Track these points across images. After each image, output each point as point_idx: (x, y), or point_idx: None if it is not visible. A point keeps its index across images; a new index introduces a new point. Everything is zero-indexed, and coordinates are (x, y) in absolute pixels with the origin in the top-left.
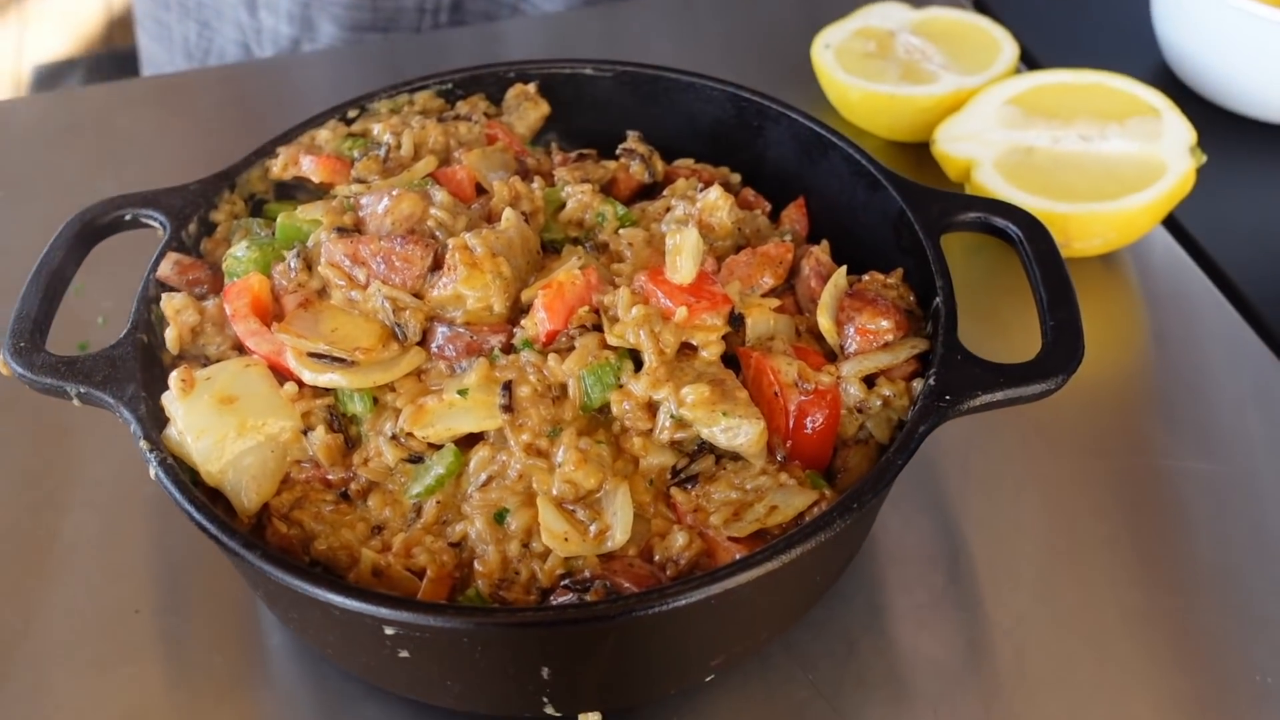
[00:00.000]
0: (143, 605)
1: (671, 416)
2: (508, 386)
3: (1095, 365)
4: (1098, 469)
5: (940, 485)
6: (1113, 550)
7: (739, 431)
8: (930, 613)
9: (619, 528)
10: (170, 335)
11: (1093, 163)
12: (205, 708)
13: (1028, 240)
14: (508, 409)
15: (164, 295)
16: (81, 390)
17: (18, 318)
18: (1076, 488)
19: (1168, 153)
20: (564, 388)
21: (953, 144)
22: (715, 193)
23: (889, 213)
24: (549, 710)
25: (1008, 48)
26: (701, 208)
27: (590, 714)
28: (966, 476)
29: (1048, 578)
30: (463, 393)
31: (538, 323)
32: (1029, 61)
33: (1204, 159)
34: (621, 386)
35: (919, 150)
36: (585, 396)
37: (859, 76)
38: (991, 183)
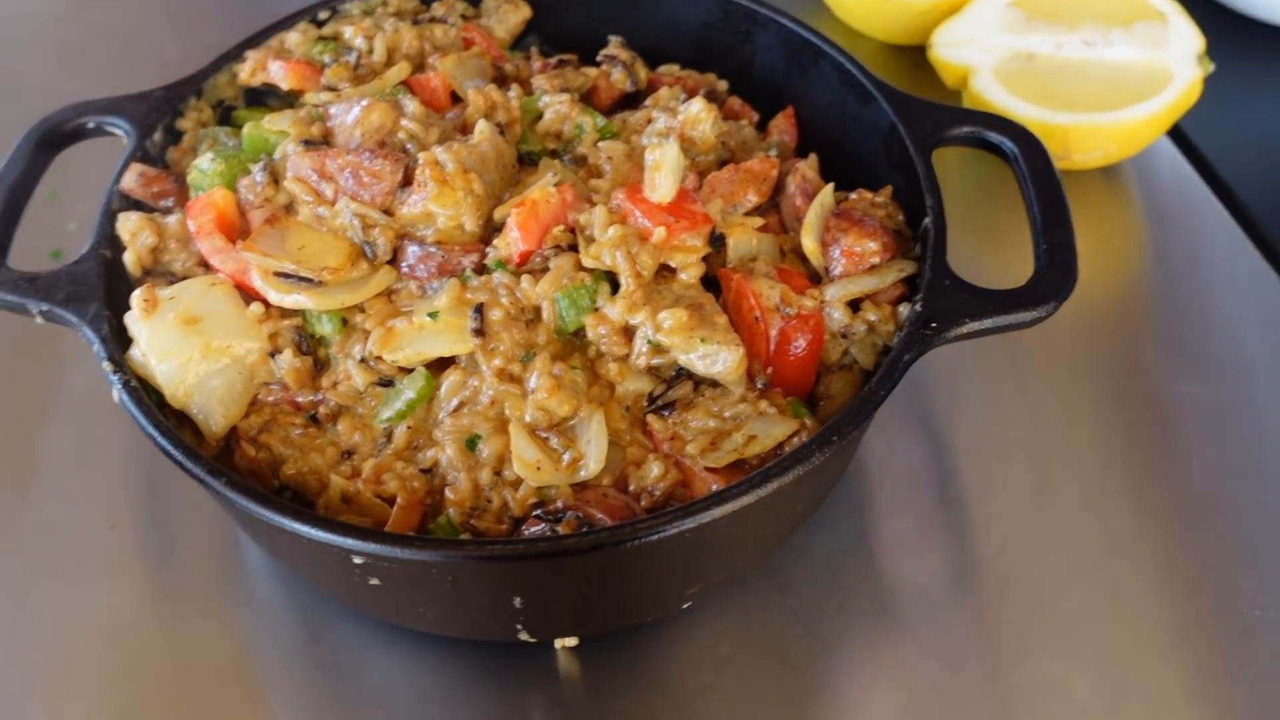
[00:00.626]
0: (119, 520)
1: (648, 342)
2: (479, 309)
3: (1092, 284)
4: (1091, 393)
5: (928, 407)
6: (1104, 477)
7: (717, 358)
8: (914, 539)
9: (593, 457)
10: (129, 258)
11: (1096, 70)
12: (183, 624)
13: (1023, 157)
14: (479, 333)
15: (120, 216)
16: (44, 308)
17: None
18: (1068, 412)
19: (1174, 60)
20: (538, 311)
21: (950, 49)
22: (698, 104)
23: (880, 126)
24: (523, 636)
25: None
26: (683, 121)
27: (568, 639)
28: (955, 398)
29: (1035, 504)
30: (433, 315)
31: (511, 243)
32: None
33: (1212, 67)
34: (597, 310)
35: (916, 54)
36: (560, 320)
37: None
38: (990, 91)
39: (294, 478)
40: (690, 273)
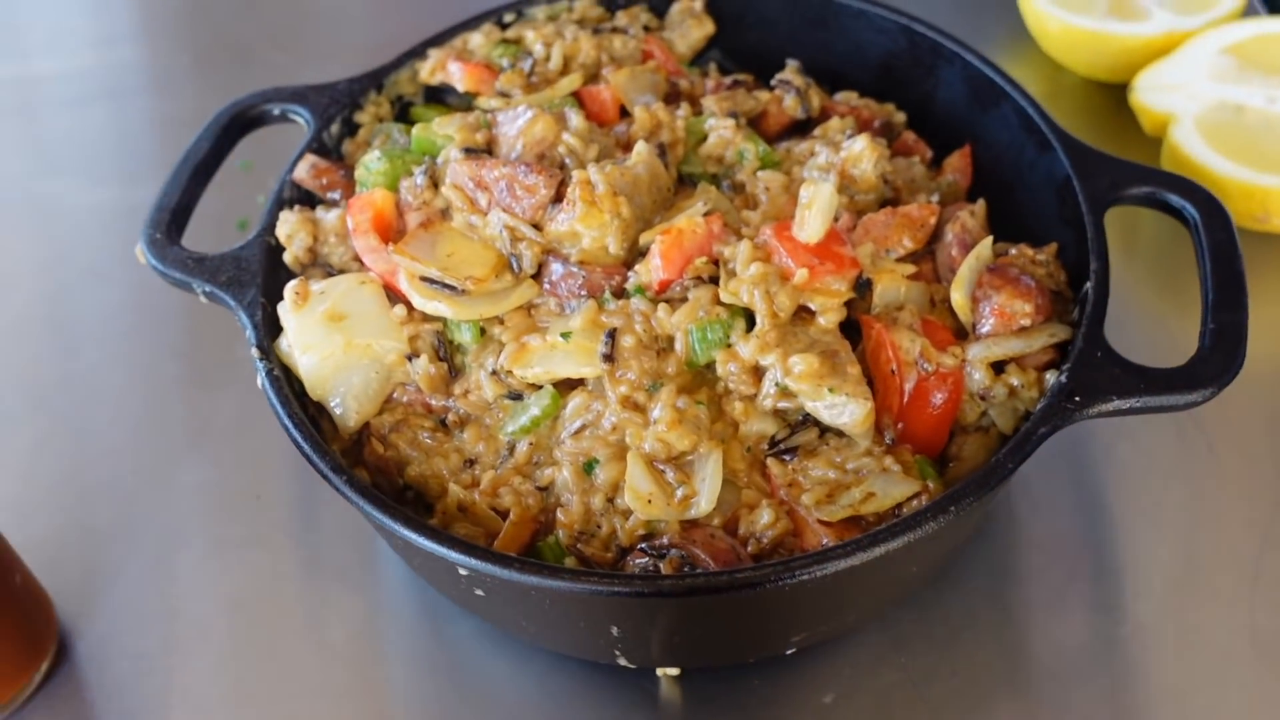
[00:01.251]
0: (265, 492)
1: (777, 384)
2: (611, 335)
3: (1274, 357)
4: (1257, 475)
5: (1081, 467)
6: (1257, 567)
7: (844, 410)
8: (1046, 608)
9: (705, 496)
10: (286, 256)
11: None
12: (312, 599)
13: (1204, 225)
14: (609, 358)
15: (280, 216)
16: (207, 289)
17: (157, 208)
18: (1229, 491)
19: None
20: (670, 341)
21: (1153, 94)
22: (861, 143)
23: (1055, 177)
24: (621, 662)
25: None
26: (845, 158)
27: (669, 669)
28: (1111, 460)
29: (1181, 587)
30: (565, 336)
31: (652, 269)
32: (1270, 3)
33: None
34: (730, 346)
35: (1119, 92)
36: (691, 353)
37: (1061, 6)
38: (1189, 143)
39: (416, 479)
40: (829, 317)
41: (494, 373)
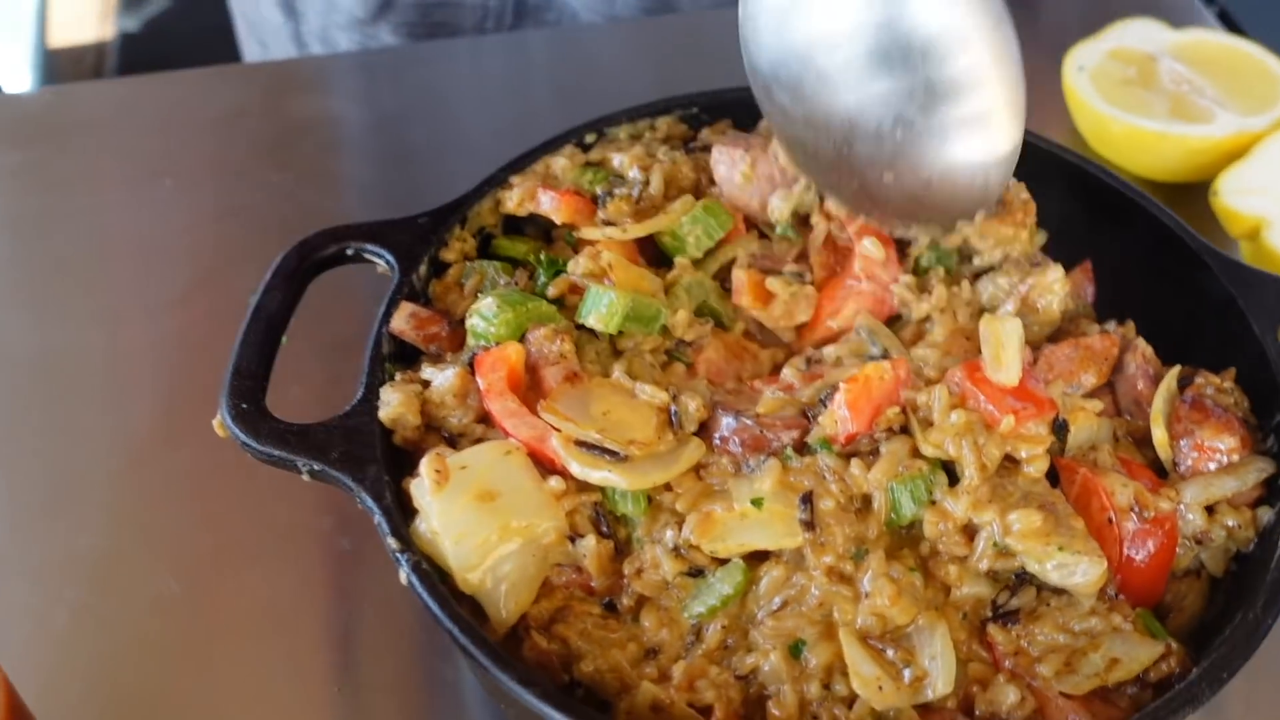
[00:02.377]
0: (344, 682)
1: (994, 544)
2: (808, 499)
3: None
4: None
5: None
6: None
7: (1075, 570)
8: None
9: (940, 676)
10: (396, 439)
11: None
12: None
13: None
14: (809, 525)
15: (382, 393)
16: (315, 467)
17: (236, 373)
18: None
19: None
20: (866, 500)
21: (1239, 198)
22: (1055, 273)
23: (1211, 297)
24: None
25: None
26: (1032, 287)
27: None
28: None
29: None
30: (757, 503)
31: (838, 421)
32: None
33: None
34: (935, 503)
35: (1181, 192)
36: (893, 513)
37: (1121, 108)
38: None
39: (591, 675)
40: (1037, 466)
41: (675, 548)
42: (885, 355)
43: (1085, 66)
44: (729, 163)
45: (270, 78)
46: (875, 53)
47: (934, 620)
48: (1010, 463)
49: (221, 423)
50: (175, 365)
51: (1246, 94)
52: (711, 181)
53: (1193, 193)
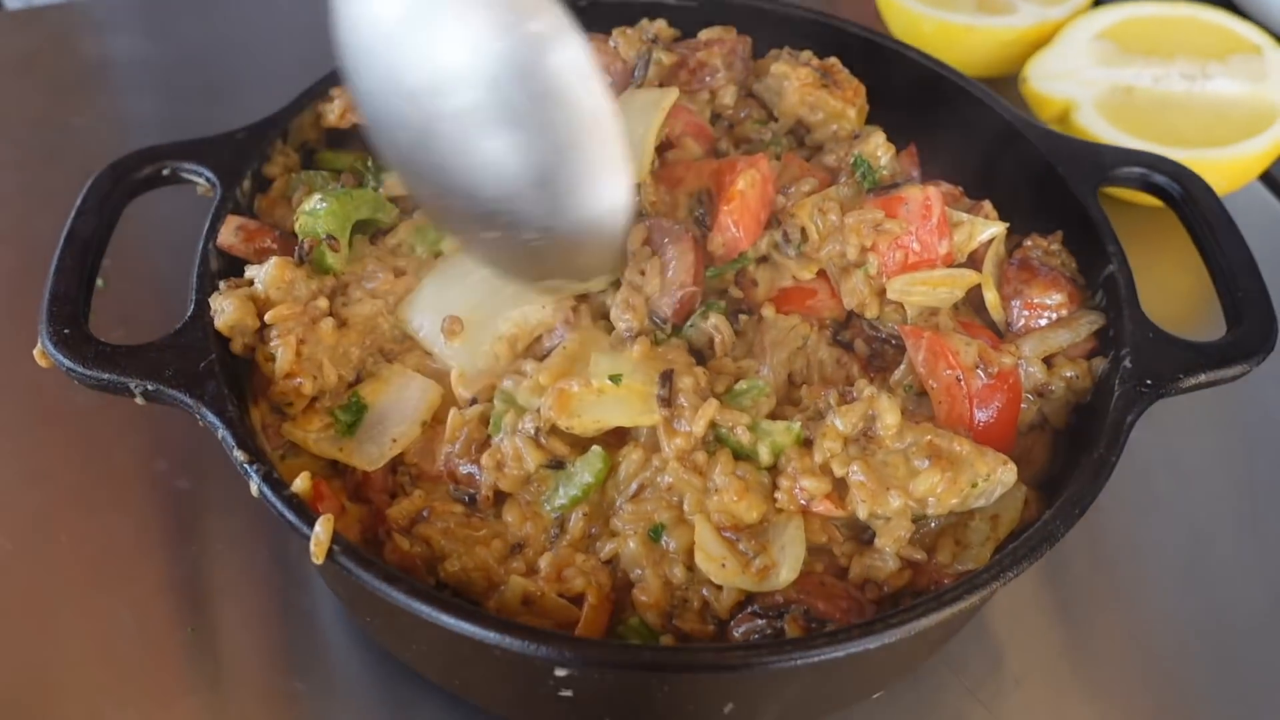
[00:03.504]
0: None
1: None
2: (668, 376)
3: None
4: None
5: None
6: None
7: (995, 490)
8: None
9: (786, 565)
10: (235, 346)
11: (1198, 104)
12: None
13: (1198, 200)
14: (666, 402)
15: (213, 302)
16: (150, 388)
17: (53, 298)
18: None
19: (1276, 94)
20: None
21: (1047, 82)
22: (879, 138)
23: (1030, 166)
24: None
25: None
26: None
27: None
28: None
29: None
30: (615, 379)
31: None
32: None
33: None
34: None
35: (991, 85)
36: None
37: (930, 5)
38: (1095, 126)
39: (457, 575)
40: (886, 423)
41: (534, 435)
42: None
43: None
44: None
45: (59, 20)
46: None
47: (788, 516)
48: (867, 440)
49: (43, 351)
50: None
51: None
52: None
53: (1002, 85)
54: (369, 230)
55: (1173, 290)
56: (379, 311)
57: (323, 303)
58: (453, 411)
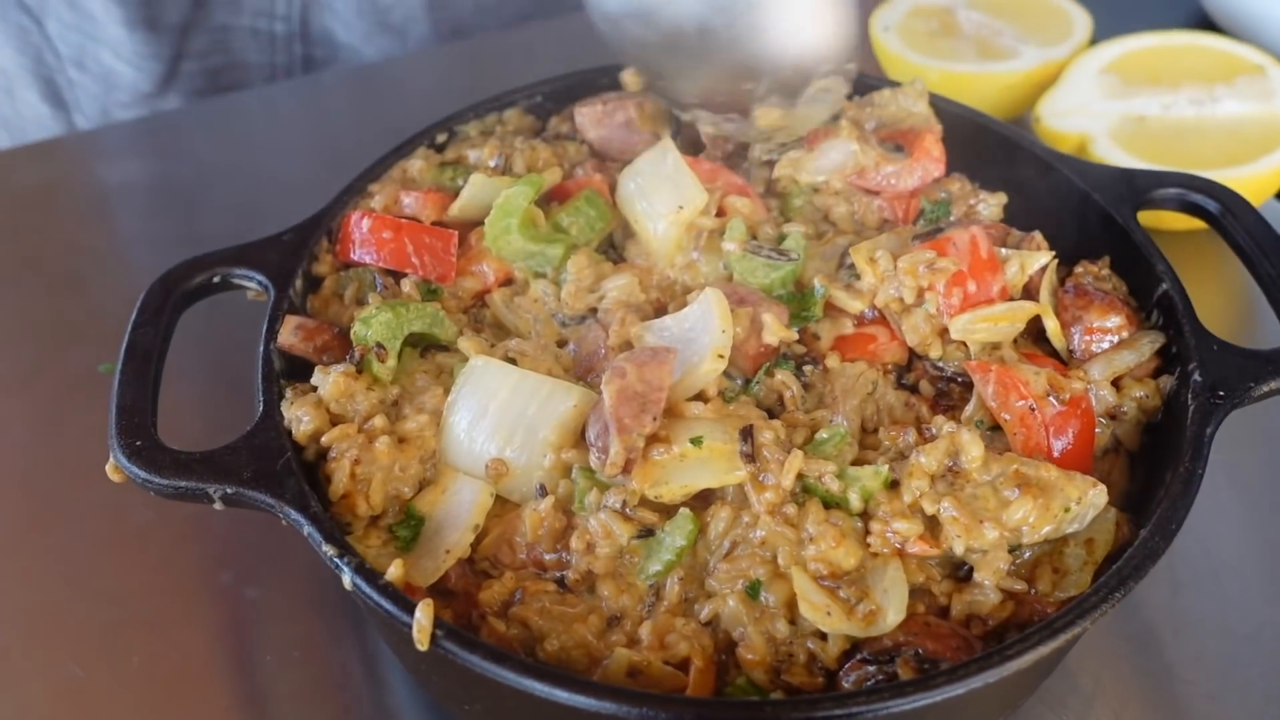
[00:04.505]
0: None
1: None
2: (748, 432)
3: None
4: None
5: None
6: None
7: (1087, 513)
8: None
9: (893, 609)
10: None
11: (1210, 127)
12: None
13: (1238, 214)
14: (750, 458)
15: (288, 411)
16: (229, 491)
17: (121, 410)
18: None
19: None
20: (811, 432)
21: (1060, 119)
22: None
23: (1067, 198)
24: None
25: (1078, 15)
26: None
27: None
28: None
29: None
30: (696, 442)
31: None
32: None
33: None
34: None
35: None
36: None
37: (933, 56)
38: (1112, 156)
39: (557, 654)
40: (969, 456)
41: (621, 509)
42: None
43: (890, 25)
44: (592, 115)
45: (72, 150)
46: None
47: (886, 560)
48: (953, 476)
49: (115, 465)
50: (25, 447)
51: (1041, 29)
52: (573, 164)
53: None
54: (424, 344)
55: (1210, 310)
56: (426, 427)
57: (379, 420)
58: (528, 510)
